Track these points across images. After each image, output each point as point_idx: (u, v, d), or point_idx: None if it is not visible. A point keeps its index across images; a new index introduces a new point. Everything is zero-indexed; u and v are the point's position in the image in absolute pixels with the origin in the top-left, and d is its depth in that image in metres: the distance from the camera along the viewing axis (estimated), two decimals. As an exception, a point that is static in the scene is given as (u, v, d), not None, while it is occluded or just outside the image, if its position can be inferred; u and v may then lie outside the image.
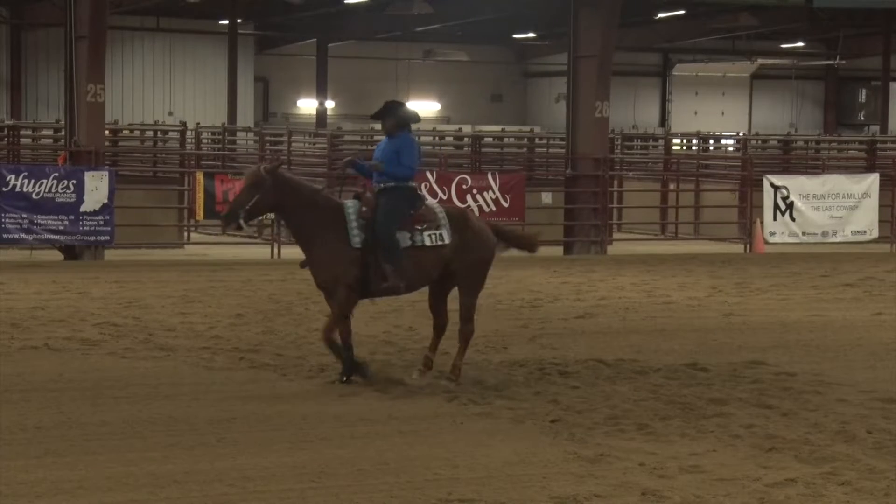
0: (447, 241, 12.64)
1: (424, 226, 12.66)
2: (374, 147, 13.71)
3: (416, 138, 13.38)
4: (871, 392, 12.45)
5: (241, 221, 12.48)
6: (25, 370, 13.01)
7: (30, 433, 10.41)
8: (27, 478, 9.08)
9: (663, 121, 50.72)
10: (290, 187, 12.59)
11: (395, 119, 12.88)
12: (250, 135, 37.10)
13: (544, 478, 9.31)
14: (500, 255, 13.36)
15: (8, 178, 22.86)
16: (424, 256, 12.63)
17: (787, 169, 32.88)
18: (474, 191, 25.47)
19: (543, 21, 41.89)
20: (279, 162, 13.91)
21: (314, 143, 34.98)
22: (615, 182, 29.03)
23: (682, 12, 41.01)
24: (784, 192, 27.04)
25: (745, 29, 42.40)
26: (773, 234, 26.99)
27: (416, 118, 13.10)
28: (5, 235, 22.92)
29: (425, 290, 13.03)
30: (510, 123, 45.52)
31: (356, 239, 12.44)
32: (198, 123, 35.13)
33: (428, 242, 12.62)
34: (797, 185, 27.31)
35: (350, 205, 12.61)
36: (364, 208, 12.53)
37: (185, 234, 26.43)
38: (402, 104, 13.20)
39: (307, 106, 47.52)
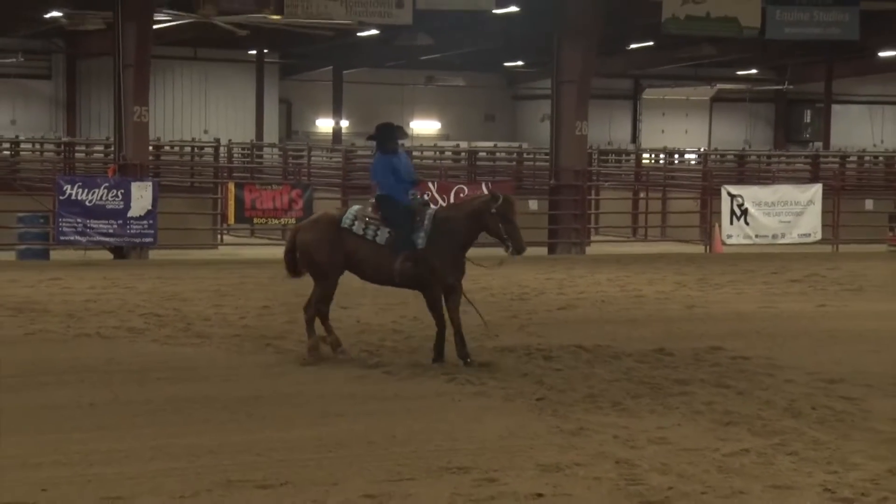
0: None
1: None
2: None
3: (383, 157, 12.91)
4: (816, 373, 12.43)
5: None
6: (80, 355, 13.03)
7: (84, 410, 10.43)
8: (82, 448, 9.10)
9: (634, 138, 50.66)
10: None
11: None
12: (275, 150, 37.23)
13: (531, 448, 9.31)
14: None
15: (65, 188, 22.89)
16: None
17: (742, 180, 32.89)
18: (470, 198, 25.39)
19: (530, 51, 41.83)
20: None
21: (331, 158, 35.08)
22: (593, 191, 29.02)
23: (651, 43, 40.92)
24: (740, 199, 27.02)
25: (705, 58, 42.29)
26: (730, 236, 26.96)
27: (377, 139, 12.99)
28: (62, 237, 22.95)
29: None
30: (501, 140, 45.51)
31: None
32: (229, 140, 35.20)
33: None
34: (751, 194, 27.29)
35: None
36: None
37: (219, 236, 26.42)
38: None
39: (325, 125, 47.47)
